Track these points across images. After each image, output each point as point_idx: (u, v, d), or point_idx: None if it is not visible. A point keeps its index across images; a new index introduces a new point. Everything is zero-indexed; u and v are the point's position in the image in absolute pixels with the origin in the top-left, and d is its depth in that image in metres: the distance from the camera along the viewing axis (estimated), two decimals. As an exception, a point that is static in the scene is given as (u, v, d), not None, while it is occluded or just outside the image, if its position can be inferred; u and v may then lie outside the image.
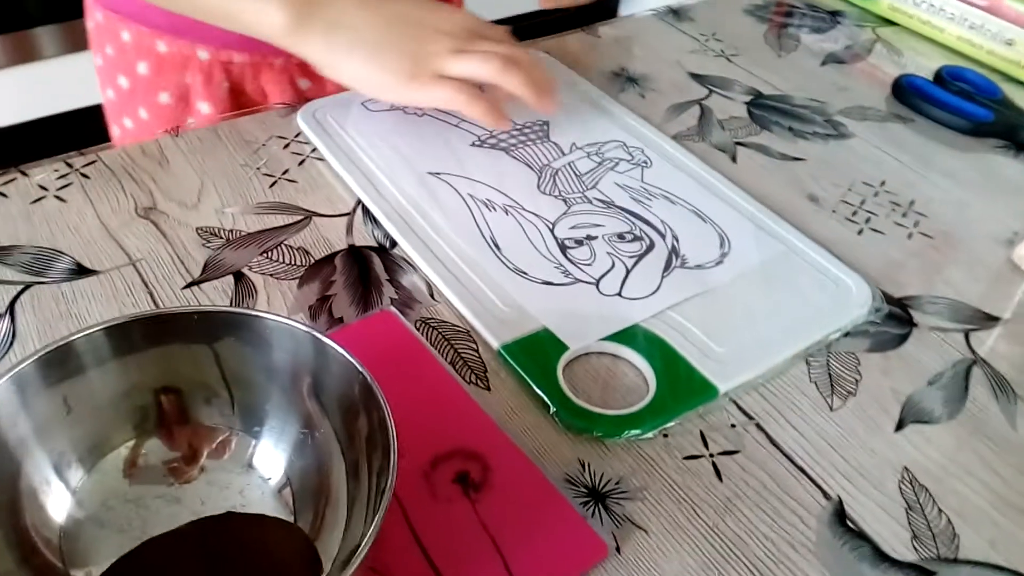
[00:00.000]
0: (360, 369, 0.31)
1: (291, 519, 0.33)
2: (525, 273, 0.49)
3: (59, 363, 0.30)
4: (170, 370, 0.32)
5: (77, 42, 1.65)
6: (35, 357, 0.29)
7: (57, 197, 0.53)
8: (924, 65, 0.76)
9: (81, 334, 0.30)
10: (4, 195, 0.52)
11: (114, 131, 0.76)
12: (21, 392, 0.29)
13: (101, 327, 0.30)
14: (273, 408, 0.33)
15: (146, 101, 0.70)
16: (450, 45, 0.53)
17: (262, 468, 0.34)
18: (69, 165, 0.55)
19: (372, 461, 0.31)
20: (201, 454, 0.33)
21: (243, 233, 0.51)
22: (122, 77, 0.70)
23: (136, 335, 0.31)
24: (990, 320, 0.50)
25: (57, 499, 0.31)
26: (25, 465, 0.30)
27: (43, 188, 0.53)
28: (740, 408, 0.44)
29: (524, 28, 0.85)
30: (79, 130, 1.78)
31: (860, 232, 0.56)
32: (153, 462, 0.32)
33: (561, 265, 0.50)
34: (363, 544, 0.27)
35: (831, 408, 0.44)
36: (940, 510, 0.40)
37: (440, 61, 0.53)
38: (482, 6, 0.71)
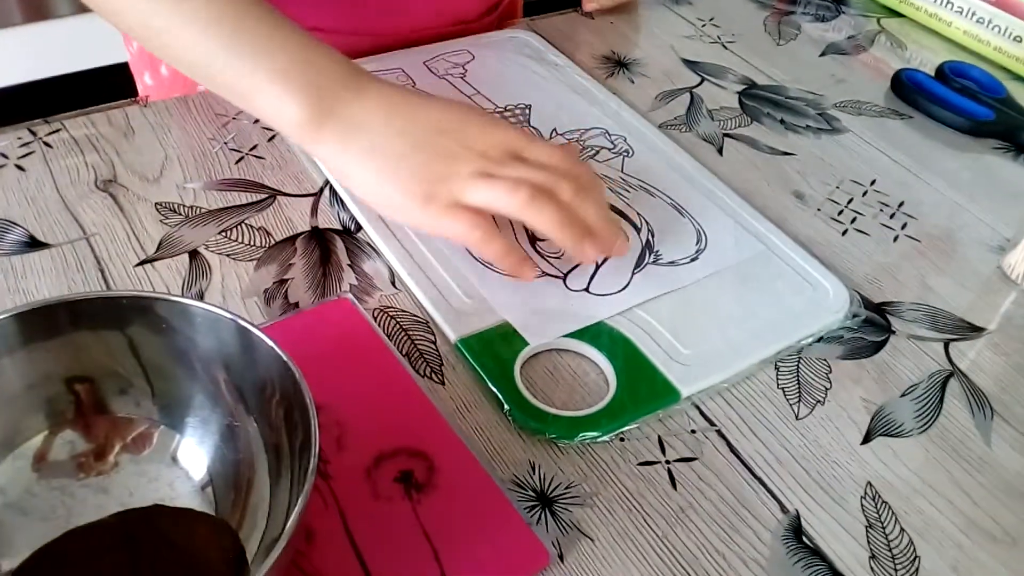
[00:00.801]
0: (284, 358, 0.30)
1: (215, 513, 0.32)
2: (490, 265, 0.48)
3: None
4: (82, 359, 0.31)
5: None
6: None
7: (17, 166, 0.51)
8: (929, 59, 0.74)
9: (-11, 320, 0.29)
10: (-38, 162, 0.51)
11: (140, 86, 0.75)
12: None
13: (8, 314, 0.29)
14: (196, 400, 0.32)
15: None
16: (477, 167, 0.44)
17: (185, 462, 0.33)
18: (33, 133, 0.54)
19: (295, 458, 0.30)
20: (113, 447, 0.31)
21: (203, 210, 0.50)
22: (163, 67, 0.69)
23: (46, 322, 0.29)
24: (973, 331, 0.49)
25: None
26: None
27: (4, 156, 0.52)
28: (702, 413, 0.42)
29: (532, 7, 0.83)
30: (94, 88, 1.76)
31: (844, 233, 0.54)
32: (62, 456, 0.31)
33: (529, 258, 0.48)
34: (283, 535, 0.26)
35: (797, 416, 0.43)
36: (902, 529, 0.38)
37: (460, 186, 0.43)
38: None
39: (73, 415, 0.31)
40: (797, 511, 0.39)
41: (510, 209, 0.43)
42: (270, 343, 0.30)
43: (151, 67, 0.70)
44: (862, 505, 0.39)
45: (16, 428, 0.31)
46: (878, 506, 0.39)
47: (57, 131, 0.54)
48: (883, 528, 0.38)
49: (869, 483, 0.40)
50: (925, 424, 0.43)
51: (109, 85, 1.81)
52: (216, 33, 0.43)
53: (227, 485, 0.32)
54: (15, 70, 1.69)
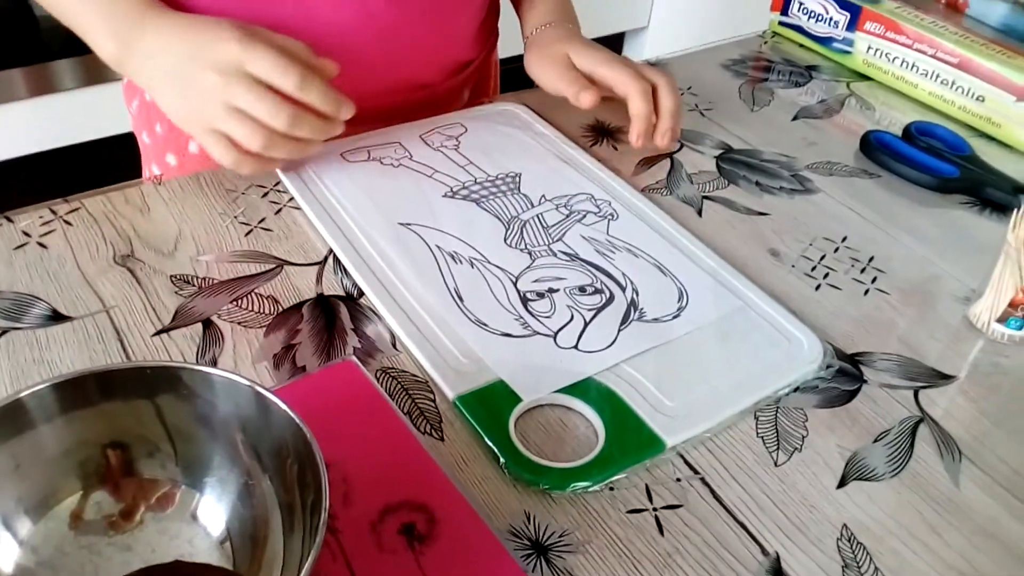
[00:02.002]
0: (297, 421, 0.33)
1: (232, 567, 0.35)
2: (485, 325, 0.51)
3: (8, 420, 0.31)
4: (115, 425, 0.34)
5: (94, 75, 1.70)
6: (-15, 413, 0.31)
7: (39, 244, 0.55)
8: (897, 119, 0.78)
9: (28, 391, 0.32)
10: (-11, 241, 0.55)
11: (145, 172, 0.80)
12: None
13: (47, 384, 0.32)
14: (215, 460, 0.35)
15: (176, 147, 0.73)
16: (220, 95, 0.53)
17: (204, 519, 0.35)
18: (53, 212, 0.57)
19: (307, 514, 0.32)
20: (139, 508, 0.34)
21: (215, 281, 0.53)
22: (159, 124, 0.74)
23: (83, 391, 0.32)
24: (942, 378, 0.51)
25: (5, 550, 0.32)
26: (-27, 517, 0.31)
27: (27, 234, 0.55)
28: (686, 462, 0.45)
29: (512, 73, 0.87)
30: (96, 160, 1.82)
31: (818, 287, 0.57)
32: (96, 515, 0.34)
33: (521, 317, 0.52)
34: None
35: (776, 463, 0.45)
36: (877, 568, 0.41)
37: (214, 116, 0.54)
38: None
39: (104, 478, 0.34)
40: (777, 553, 0.41)
41: (252, 149, 0.54)
42: (284, 407, 0.33)
43: (176, 148, 0.74)
44: (838, 546, 0.42)
45: (51, 490, 0.33)
46: (853, 547, 0.42)
47: (76, 209, 0.58)
48: (858, 568, 0.41)
49: (845, 525, 0.43)
50: (897, 468, 0.46)
51: (112, 155, 1.87)
52: None
53: (244, 540, 0.35)
54: (22, 142, 1.74)
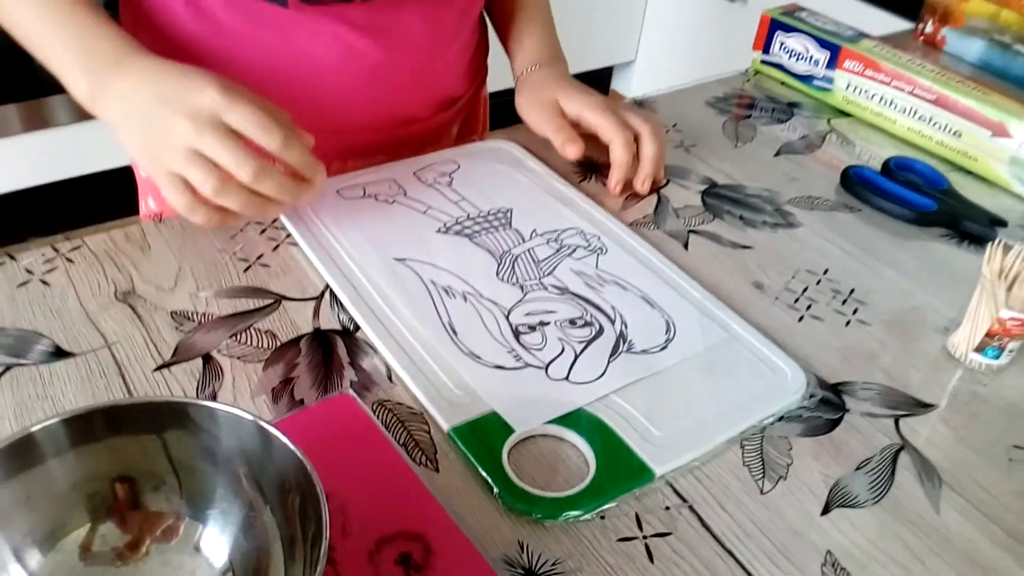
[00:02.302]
0: (301, 458, 0.34)
1: (235, 599, 0.36)
2: (479, 358, 0.52)
3: (19, 454, 0.33)
4: (123, 459, 0.35)
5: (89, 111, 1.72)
6: (-3, 447, 0.32)
7: (42, 281, 0.56)
8: (877, 154, 0.80)
9: (39, 425, 0.33)
10: (-8, 278, 0.56)
11: (142, 206, 0.81)
12: (-17, 481, 0.32)
13: (58, 419, 0.33)
14: (218, 493, 0.36)
15: None
16: (185, 137, 0.52)
17: (208, 551, 0.36)
18: (56, 250, 0.59)
19: (308, 544, 0.33)
20: (145, 540, 0.35)
21: (215, 317, 0.54)
22: None
23: (91, 426, 0.34)
24: (922, 407, 0.53)
25: (15, 580, 0.33)
26: (-15, 549, 0.32)
27: (29, 272, 0.57)
28: (675, 491, 0.46)
29: (502, 107, 0.89)
30: (90, 194, 1.84)
31: (800, 319, 0.59)
32: (105, 547, 0.35)
33: (513, 350, 0.53)
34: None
35: (762, 491, 0.47)
36: (860, 593, 0.42)
37: (173, 159, 0.53)
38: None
39: (111, 510, 0.35)
40: (764, 579, 0.42)
41: (204, 194, 0.53)
42: (286, 441, 0.34)
43: (156, 192, 0.75)
44: (822, 572, 0.43)
45: (60, 523, 0.34)
46: (837, 572, 0.43)
47: (78, 247, 0.59)
48: (843, 592, 0.42)
49: (829, 551, 0.44)
50: (879, 495, 0.47)
51: (107, 189, 1.89)
52: (44, 19, 0.57)
53: (246, 571, 0.36)
54: (16, 177, 1.76)
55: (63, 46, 0.57)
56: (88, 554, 0.34)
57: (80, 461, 0.34)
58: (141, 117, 0.54)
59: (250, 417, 0.35)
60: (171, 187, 0.53)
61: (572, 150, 0.69)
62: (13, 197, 1.76)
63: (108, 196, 1.84)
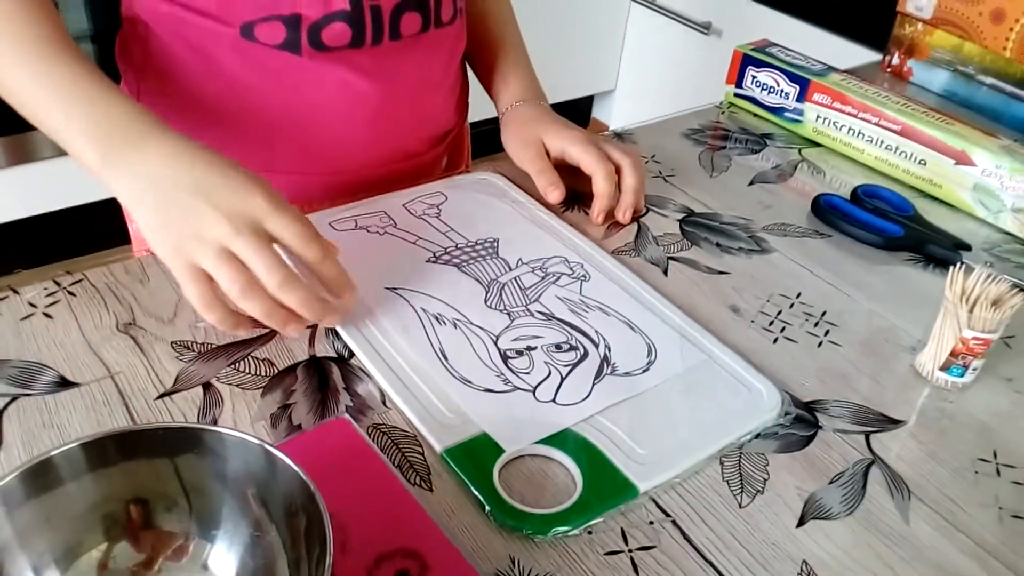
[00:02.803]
0: (305, 479, 0.36)
1: (242, 613, 0.37)
2: (469, 382, 0.54)
3: (39, 476, 0.34)
4: (136, 482, 0.37)
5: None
6: (18, 471, 0.34)
7: (45, 314, 0.58)
8: (846, 182, 0.84)
9: (58, 450, 0.35)
10: (-4, 312, 0.58)
11: (136, 245, 0.83)
12: (5, 502, 0.34)
13: (77, 443, 0.35)
14: (226, 514, 0.38)
15: None
16: (218, 234, 0.50)
17: (216, 569, 0.38)
18: (57, 284, 0.61)
19: (312, 562, 0.35)
20: (158, 558, 0.37)
21: (213, 346, 0.56)
22: None
23: (107, 450, 0.36)
24: (891, 423, 0.56)
25: (34, 599, 0.35)
26: (6, 567, 0.34)
27: (32, 305, 0.58)
28: (658, 506, 0.49)
29: (484, 136, 0.93)
30: (74, 226, 1.85)
31: (775, 341, 0.61)
32: (120, 566, 0.37)
33: (502, 374, 0.55)
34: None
35: (740, 505, 0.49)
36: (835, 600, 0.44)
37: (200, 251, 0.51)
38: (442, 132, 0.79)
39: (126, 530, 0.37)
40: (743, 588, 0.44)
41: (227, 293, 0.51)
42: (292, 465, 0.36)
43: None
44: (799, 580, 0.45)
45: (78, 542, 0.36)
46: (813, 581, 0.45)
47: (79, 281, 0.61)
48: (818, 600, 0.44)
49: (804, 561, 0.46)
50: (851, 507, 0.50)
51: (90, 222, 1.90)
52: (47, 87, 0.55)
53: (253, 586, 0.37)
54: (3, 210, 1.77)
55: (69, 114, 0.55)
56: (105, 571, 0.36)
57: (97, 484, 0.36)
58: (167, 202, 0.52)
59: (257, 441, 0.37)
60: (191, 280, 0.51)
61: (554, 195, 0.73)
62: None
63: (92, 228, 1.85)
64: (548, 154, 0.75)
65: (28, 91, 0.56)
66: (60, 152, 1.74)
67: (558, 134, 0.74)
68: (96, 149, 0.54)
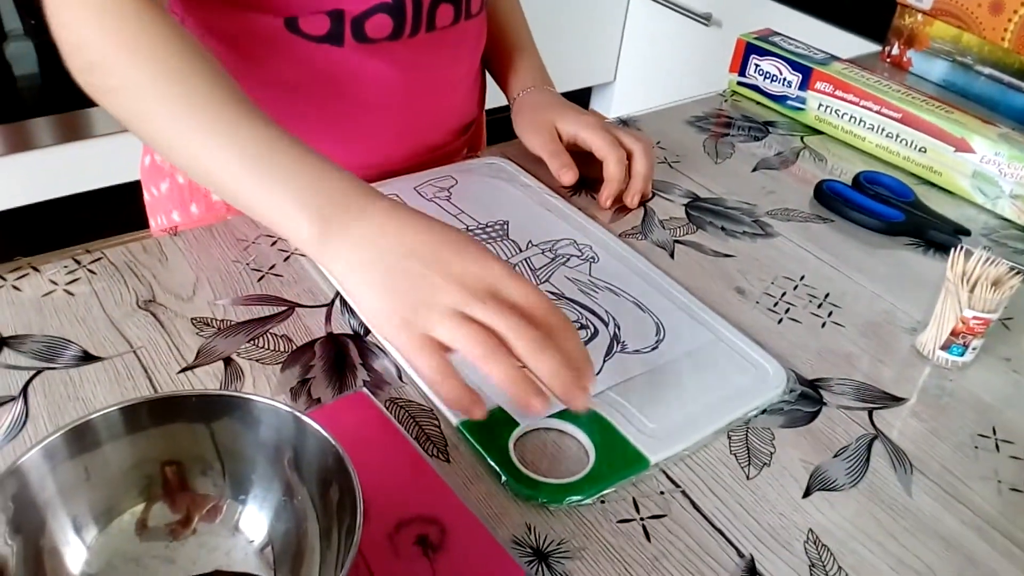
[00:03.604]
0: (334, 444, 0.37)
1: (273, 573, 0.39)
2: (483, 358, 0.56)
3: (81, 437, 0.36)
4: (173, 445, 0.38)
5: (71, 133, 1.74)
6: (61, 431, 0.35)
7: (66, 291, 0.59)
8: (847, 169, 0.85)
9: (99, 413, 0.36)
10: (18, 288, 0.59)
11: (153, 223, 0.84)
12: (49, 460, 0.35)
13: (116, 407, 0.36)
14: (258, 478, 0.39)
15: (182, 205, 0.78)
16: (454, 300, 0.46)
17: (247, 530, 0.40)
18: (77, 262, 0.62)
19: (342, 523, 0.37)
20: (194, 518, 0.38)
21: (233, 322, 0.57)
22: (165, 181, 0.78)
23: (145, 415, 0.37)
24: (893, 400, 0.57)
25: (74, 554, 0.36)
26: (49, 523, 0.35)
27: (53, 283, 0.60)
28: (668, 477, 0.50)
29: (492, 124, 0.94)
30: (73, 214, 1.86)
31: (780, 321, 0.63)
32: (159, 524, 0.38)
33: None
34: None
35: (748, 477, 0.50)
36: (840, 567, 0.46)
37: (434, 319, 0.46)
38: (451, 117, 0.80)
39: (163, 491, 0.38)
40: (752, 556, 0.46)
41: (469, 357, 0.45)
42: (325, 434, 0.37)
43: (180, 206, 0.79)
44: (805, 549, 0.47)
45: (117, 501, 0.37)
46: (819, 549, 0.47)
47: (99, 259, 0.62)
48: (824, 567, 0.46)
49: (811, 530, 0.48)
50: (855, 479, 0.51)
51: (90, 209, 1.90)
52: (240, 156, 0.50)
53: (283, 548, 0.39)
54: (1, 198, 1.78)
55: (281, 183, 0.49)
56: (145, 530, 0.37)
57: (135, 446, 0.37)
58: (395, 273, 0.47)
59: (288, 409, 0.38)
60: (423, 351, 0.46)
61: (568, 176, 0.74)
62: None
63: (92, 215, 1.86)
64: (560, 138, 0.76)
65: (231, 161, 0.50)
66: (58, 140, 1.77)
67: (571, 119, 0.76)
68: (314, 220, 0.49)
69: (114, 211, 1.80)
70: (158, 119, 0.52)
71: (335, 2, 0.66)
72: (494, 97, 0.89)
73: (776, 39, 0.97)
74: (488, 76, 0.88)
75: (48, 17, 0.54)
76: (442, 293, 0.46)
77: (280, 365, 0.55)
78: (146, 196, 0.84)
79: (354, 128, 0.73)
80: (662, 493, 0.49)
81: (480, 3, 0.77)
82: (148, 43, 0.52)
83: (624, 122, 0.89)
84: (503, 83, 0.85)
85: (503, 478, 0.48)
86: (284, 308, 0.59)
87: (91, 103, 0.55)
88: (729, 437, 0.53)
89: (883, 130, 0.87)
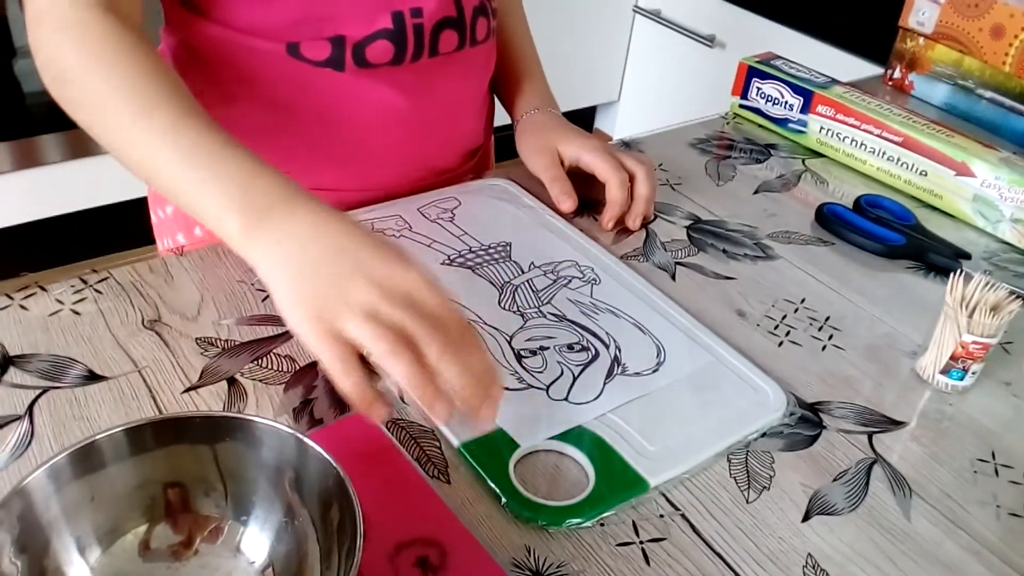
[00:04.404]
0: (335, 465, 0.38)
1: (273, 595, 0.39)
2: (484, 380, 0.56)
3: (85, 458, 0.36)
4: (176, 466, 0.38)
5: (78, 149, 1.76)
6: (66, 452, 0.36)
7: (72, 310, 0.60)
8: (848, 192, 0.86)
9: (104, 434, 0.37)
10: (25, 308, 0.59)
11: (160, 245, 0.85)
12: (54, 481, 0.36)
13: (121, 428, 0.37)
14: (260, 499, 0.40)
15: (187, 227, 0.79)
16: (369, 300, 0.46)
17: (249, 552, 0.40)
18: (84, 281, 0.62)
19: (342, 545, 0.37)
20: (196, 539, 0.39)
21: (237, 343, 0.58)
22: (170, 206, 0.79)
23: (149, 436, 0.37)
24: (893, 424, 0.58)
25: (78, 575, 0.37)
26: (53, 543, 0.36)
27: (60, 302, 0.60)
28: (668, 500, 0.50)
29: (496, 142, 0.94)
30: (81, 230, 1.87)
31: (780, 344, 0.63)
32: (161, 545, 0.38)
33: (516, 372, 0.57)
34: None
35: (747, 501, 0.51)
36: (839, 591, 0.46)
37: (344, 315, 0.45)
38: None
39: (166, 513, 0.39)
40: (751, 579, 0.46)
41: (374, 353, 0.45)
42: (325, 456, 0.38)
43: (185, 228, 0.79)
44: (804, 573, 0.47)
45: (121, 521, 0.38)
46: (818, 573, 0.47)
47: (105, 279, 0.63)
48: (823, 591, 0.46)
49: (809, 554, 0.48)
50: (854, 503, 0.51)
51: (96, 225, 1.91)
52: (180, 159, 0.52)
53: (284, 570, 0.39)
54: (7, 214, 1.79)
55: (215, 185, 0.51)
56: (148, 551, 0.38)
57: (139, 467, 0.38)
58: (313, 268, 0.48)
59: (289, 431, 0.39)
60: (330, 342, 0.45)
61: (567, 204, 0.74)
62: (3, 234, 1.79)
63: (100, 231, 1.87)
64: (562, 162, 0.77)
65: (163, 157, 0.53)
66: (65, 157, 1.79)
67: (573, 142, 0.77)
68: (240, 214, 0.50)
69: (122, 227, 1.81)
70: (112, 126, 0.55)
71: (336, 28, 0.67)
72: (498, 117, 0.90)
73: (778, 62, 0.98)
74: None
75: (28, 36, 0.58)
76: (358, 292, 0.46)
77: (283, 385, 0.55)
78: (153, 218, 0.84)
79: (356, 151, 0.74)
80: (662, 516, 0.49)
81: (487, 30, 0.77)
82: (110, 58, 0.55)
83: (627, 144, 0.90)
84: (509, 106, 0.86)
85: (503, 500, 0.48)
86: (288, 328, 0.60)
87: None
88: (729, 460, 0.53)
89: (884, 153, 0.88)
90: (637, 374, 0.58)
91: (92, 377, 0.54)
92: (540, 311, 0.63)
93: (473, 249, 0.69)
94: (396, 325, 0.45)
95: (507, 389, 0.56)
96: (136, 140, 0.54)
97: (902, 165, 0.86)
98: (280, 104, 0.71)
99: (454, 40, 0.73)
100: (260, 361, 0.57)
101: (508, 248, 0.70)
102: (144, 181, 0.57)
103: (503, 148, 0.80)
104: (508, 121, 0.86)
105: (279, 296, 0.49)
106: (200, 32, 0.69)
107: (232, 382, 0.55)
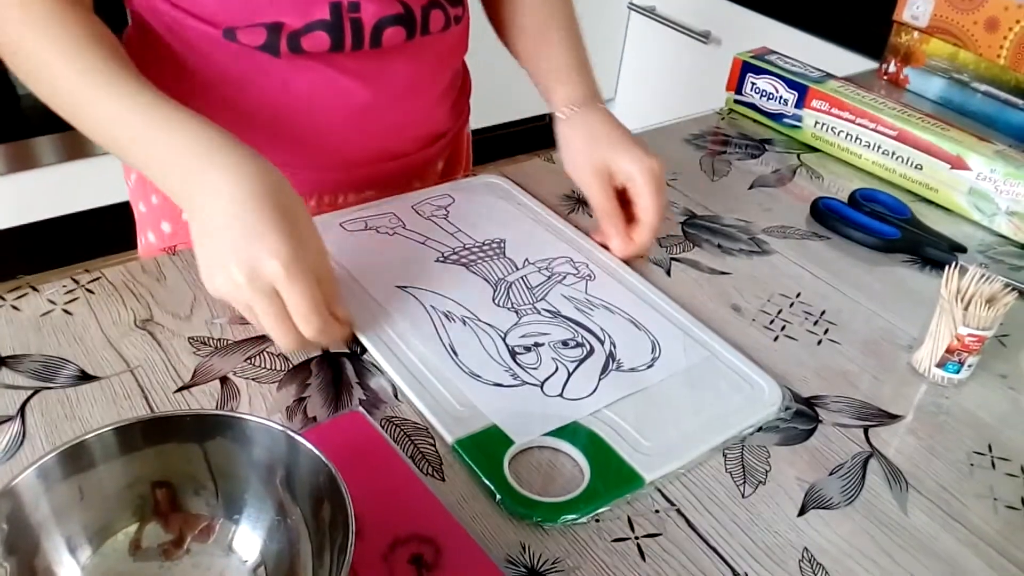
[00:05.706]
0: (326, 462, 0.37)
1: (266, 593, 0.39)
2: (478, 376, 0.56)
3: (75, 458, 0.36)
4: (166, 465, 0.38)
5: (73, 151, 1.76)
6: (56, 452, 0.36)
7: (64, 311, 0.59)
8: (843, 186, 0.86)
9: (93, 433, 0.36)
10: (17, 308, 0.59)
11: (140, 240, 0.85)
12: (44, 481, 0.35)
13: (110, 427, 0.36)
14: (251, 497, 0.39)
15: (173, 216, 0.78)
16: (234, 289, 0.52)
17: (240, 550, 0.40)
18: (76, 281, 0.62)
19: (334, 542, 0.37)
20: (187, 538, 0.38)
21: (229, 342, 0.58)
22: (154, 195, 0.79)
23: (139, 435, 0.37)
24: (889, 417, 0.57)
25: (68, 575, 0.36)
26: (43, 543, 0.35)
27: (51, 302, 0.60)
28: (663, 495, 0.50)
29: (489, 142, 0.94)
30: (76, 232, 1.87)
31: (776, 339, 0.63)
32: (152, 544, 0.38)
33: (511, 369, 0.57)
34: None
35: (743, 495, 0.50)
36: (835, 585, 0.46)
37: (224, 288, 0.52)
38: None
39: (156, 512, 0.38)
40: (746, 575, 0.46)
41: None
42: (317, 453, 0.37)
43: (171, 217, 0.79)
44: (800, 567, 0.47)
45: (111, 521, 0.38)
46: (814, 567, 0.47)
47: (97, 279, 0.62)
48: (819, 585, 0.46)
49: (805, 548, 0.48)
50: (850, 497, 0.51)
51: (90, 227, 1.91)
52: (130, 124, 0.56)
53: (276, 568, 0.39)
54: (2, 216, 1.79)
55: (162, 146, 0.55)
56: (138, 550, 0.38)
57: (129, 466, 0.37)
58: (221, 226, 0.53)
59: (281, 429, 0.38)
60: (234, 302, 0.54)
61: (620, 249, 0.69)
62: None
63: (95, 233, 1.87)
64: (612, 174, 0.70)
65: (110, 126, 0.57)
66: (60, 159, 1.78)
67: (625, 157, 0.69)
68: (180, 176, 0.55)
69: (117, 229, 1.80)
70: (64, 95, 0.58)
71: (274, 15, 0.67)
72: (484, 116, 0.89)
73: (772, 57, 0.97)
74: (477, 87, 0.88)
75: None
76: (229, 270, 0.52)
77: (276, 384, 0.55)
78: (135, 213, 0.84)
79: (306, 130, 0.73)
80: (657, 512, 0.49)
81: (445, 20, 0.74)
82: (60, 32, 0.58)
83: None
84: (541, 89, 0.79)
85: (498, 497, 0.48)
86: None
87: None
88: (724, 455, 0.53)
89: (879, 147, 0.87)
90: (632, 370, 0.58)
91: (84, 377, 0.54)
92: (535, 307, 0.63)
93: (467, 246, 0.69)
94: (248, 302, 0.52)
95: (501, 386, 0.55)
96: (88, 109, 0.57)
97: (897, 159, 0.86)
98: (229, 83, 0.70)
99: (401, 35, 0.71)
100: (253, 360, 0.56)
101: (502, 245, 0.70)
102: (106, 148, 0.58)
103: (503, 147, 0.80)
104: (506, 120, 0.85)
105: (197, 251, 0.55)
106: (154, 10, 0.69)
107: (225, 381, 0.55)
